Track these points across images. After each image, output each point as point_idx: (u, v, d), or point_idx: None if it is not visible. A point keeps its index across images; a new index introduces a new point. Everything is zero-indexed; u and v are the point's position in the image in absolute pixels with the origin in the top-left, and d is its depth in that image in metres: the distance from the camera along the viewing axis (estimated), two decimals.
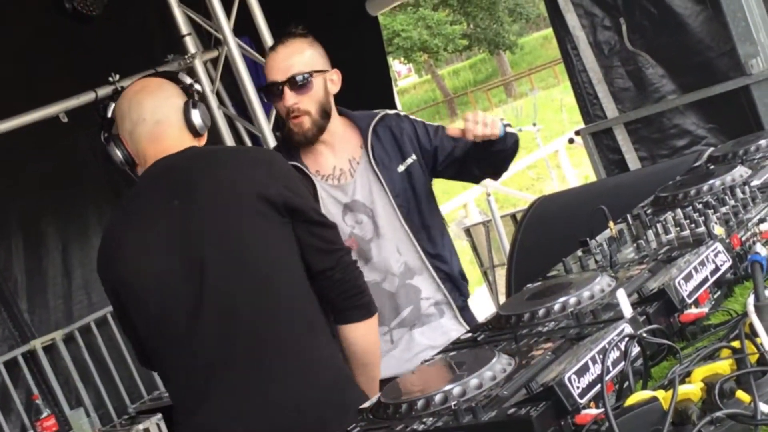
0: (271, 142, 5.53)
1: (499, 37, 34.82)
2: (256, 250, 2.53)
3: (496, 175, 3.37)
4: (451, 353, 1.92)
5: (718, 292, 1.90)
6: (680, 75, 5.63)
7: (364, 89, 5.72)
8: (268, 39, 5.48)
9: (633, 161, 5.91)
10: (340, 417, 2.17)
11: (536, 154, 15.32)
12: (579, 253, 2.34)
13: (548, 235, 3.33)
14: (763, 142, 2.71)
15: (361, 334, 2.70)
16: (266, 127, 5.63)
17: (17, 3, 5.76)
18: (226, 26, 5.46)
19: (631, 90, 5.88)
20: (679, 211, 2.28)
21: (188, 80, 2.71)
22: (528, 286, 2.19)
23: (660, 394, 1.39)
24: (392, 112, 3.35)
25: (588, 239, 2.36)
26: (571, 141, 6.78)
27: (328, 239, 2.64)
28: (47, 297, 6.26)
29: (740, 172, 2.47)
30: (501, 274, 3.68)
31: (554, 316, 1.89)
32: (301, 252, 2.58)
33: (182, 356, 2.52)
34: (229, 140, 5.81)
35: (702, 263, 1.87)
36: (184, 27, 5.59)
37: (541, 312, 1.91)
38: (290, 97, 3.10)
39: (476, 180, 3.49)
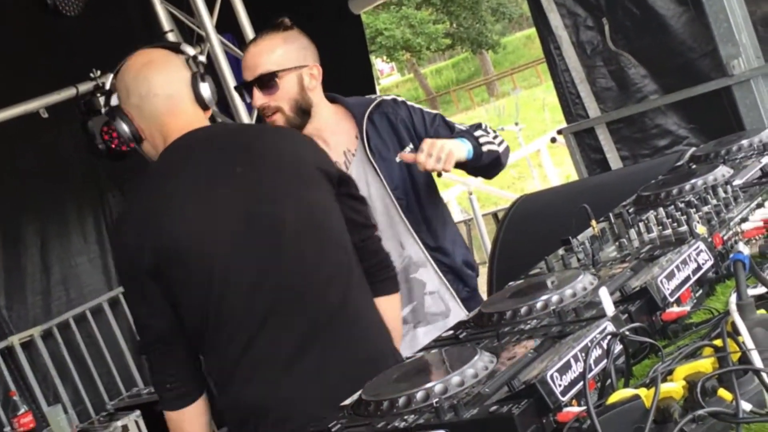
0: None
1: (481, 37, 34.85)
2: (323, 216, 2.57)
3: (486, 178, 3.36)
4: (433, 350, 1.92)
5: (700, 291, 1.91)
6: (662, 75, 5.65)
7: (347, 87, 5.69)
8: (250, 36, 5.45)
9: (615, 161, 5.92)
10: None
11: (518, 153, 15.31)
12: (561, 251, 2.34)
13: (530, 234, 3.34)
14: (745, 142, 2.72)
15: (390, 306, 2.75)
16: None
17: None
18: (209, 23, 5.44)
19: (614, 90, 5.89)
20: (661, 210, 2.28)
21: (191, 51, 2.65)
22: (510, 284, 2.18)
23: (642, 392, 1.38)
24: (389, 97, 3.26)
25: (570, 238, 2.36)
26: (553, 140, 6.78)
27: (365, 214, 2.74)
28: (25, 293, 6.22)
29: (722, 171, 2.47)
30: (482, 272, 3.69)
31: (536, 314, 1.88)
32: None
33: (250, 322, 2.45)
34: None
35: (684, 262, 1.87)
36: (166, 23, 5.56)
37: (524, 310, 1.91)
38: (258, 98, 3.08)
39: (472, 175, 3.44)
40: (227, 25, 5.72)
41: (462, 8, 34.20)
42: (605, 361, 1.52)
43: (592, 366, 1.51)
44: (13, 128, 5.39)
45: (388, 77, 44.77)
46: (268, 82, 3.06)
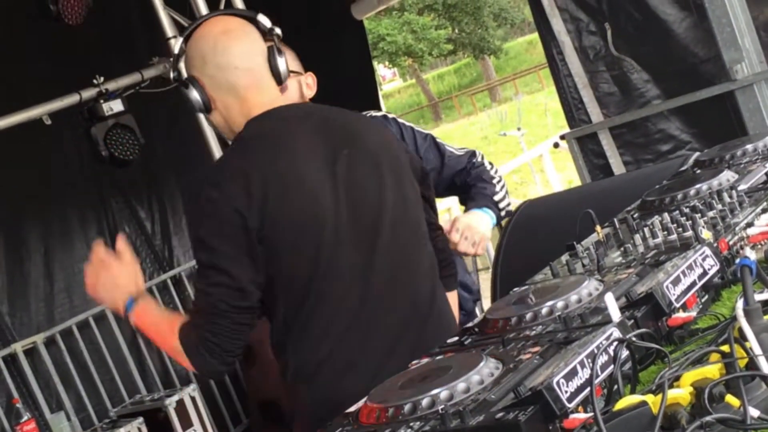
0: None
1: (483, 42, 34.86)
2: (415, 211, 2.55)
3: None
4: (438, 357, 1.91)
5: (706, 296, 1.90)
6: (665, 80, 5.65)
7: (350, 93, 5.70)
8: None
9: (617, 166, 5.92)
10: None
11: (520, 158, 15.32)
12: (566, 256, 2.33)
13: (534, 239, 3.33)
14: (749, 146, 2.72)
15: (451, 303, 2.73)
16: None
17: (0, 4, 5.71)
18: None
19: (616, 95, 5.90)
20: (666, 215, 2.28)
21: (268, 23, 2.55)
22: (515, 289, 2.18)
23: (649, 398, 1.38)
24: (379, 114, 3.29)
25: (575, 243, 2.35)
26: (556, 145, 6.78)
27: (432, 214, 2.72)
28: (29, 300, 6.20)
29: (727, 176, 2.47)
30: (485, 278, 3.69)
31: (542, 320, 1.88)
32: None
33: (350, 306, 2.40)
34: (213, 141, 5.77)
35: (690, 267, 1.87)
36: (169, 29, 5.55)
37: (529, 316, 1.90)
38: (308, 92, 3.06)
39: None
40: None
41: (464, 14, 34.22)
42: (612, 367, 1.51)
43: (599, 372, 1.50)
44: (17, 135, 5.38)
45: (391, 83, 44.78)
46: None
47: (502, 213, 3.22)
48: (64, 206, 6.46)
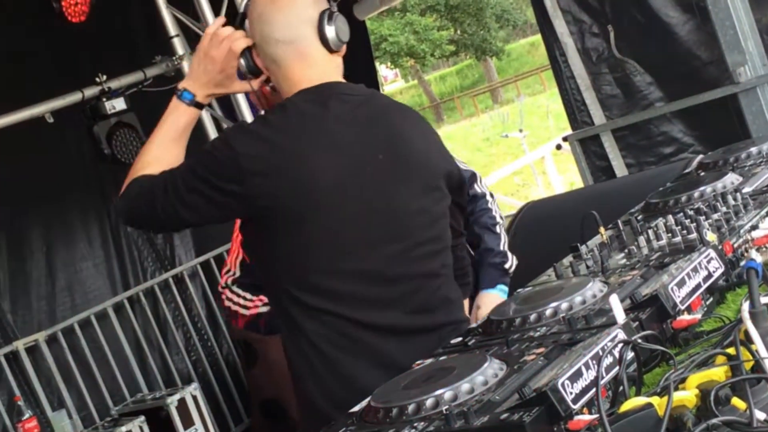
0: None
1: (485, 43, 34.87)
2: (435, 224, 2.45)
3: None
4: (442, 357, 1.91)
5: (711, 299, 1.90)
6: (668, 83, 5.65)
7: None
8: None
9: (620, 168, 5.92)
10: None
11: (522, 160, 15.35)
12: (570, 258, 2.33)
13: (537, 241, 3.34)
14: (753, 149, 2.71)
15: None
16: None
17: (3, 3, 5.72)
18: None
19: (619, 97, 5.90)
20: (670, 217, 2.28)
21: None
22: (519, 291, 2.18)
23: (655, 400, 1.37)
24: None
25: (578, 245, 2.35)
26: (558, 147, 6.78)
27: (460, 221, 2.66)
28: (30, 298, 6.20)
29: (731, 179, 2.47)
30: None
31: (546, 321, 1.87)
32: None
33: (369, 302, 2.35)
34: None
35: (695, 269, 1.86)
36: (172, 28, 5.56)
37: (533, 317, 1.90)
38: None
39: None
40: None
41: (466, 15, 34.23)
42: (617, 368, 1.51)
43: (604, 374, 1.50)
44: (19, 133, 5.39)
45: (392, 83, 44.78)
46: None
47: (508, 278, 3.31)
48: (66, 204, 6.46)
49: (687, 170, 2.96)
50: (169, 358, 6.67)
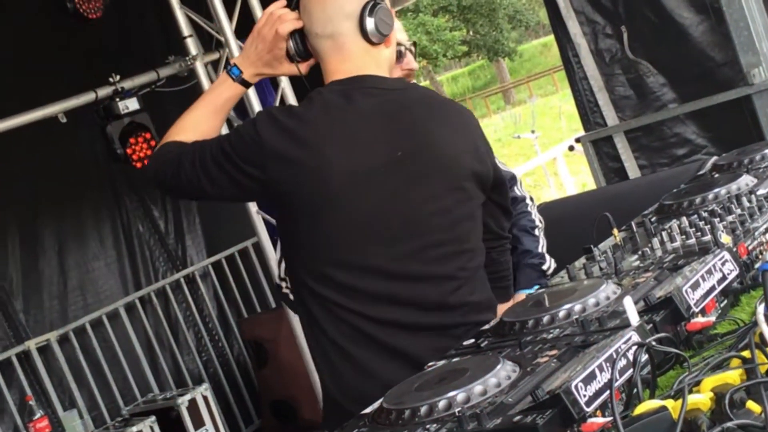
0: None
1: (498, 44, 34.85)
2: (467, 231, 2.43)
3: None
4: (455, 359, 1.90)
5: (725, 301, 1.89)
6: (681, 84, 5.63)
7: None
8: None
9: (633, 169, 5.90)
10: None
11: (534, 161, 15.29)
12: (583, 259, 2.32)
13: (550, 242, 3.32)
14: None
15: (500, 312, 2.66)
16: None
17: (18, 2, 5.73)
18: (228, 28, 5.44)
19: (632, 98, 5.88)
20: (684, 219, 2.26)
21: None
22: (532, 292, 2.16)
23: (669, 403, 1.37)
24: None
25: (592, 246, 2.34)
26: (571, 148, 6.77)
27: (501, 224, 2.62)
28: (42, 297, 6.23)
29: (746, 180, 2.45)
30: None
31: (559, 323, 1.86)
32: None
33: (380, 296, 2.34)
34: None
35: (709, 272, 1.85)
36: (185, 29, 5.56)
37: (546, 319, 1.89)
38: (413, 61, 3.10)
39: None
40: (247, 31, 5.70)
41: (479, 15, 34.22)
42: (631, 371, 1.50)
43: (617, 376, 1.49)
44: (32, 133, 5.40)
45: None
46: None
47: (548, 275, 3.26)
48: (79, 204, 6.49)
49: (701, 172, 2.94)
50: (180, 358, 6.68)
